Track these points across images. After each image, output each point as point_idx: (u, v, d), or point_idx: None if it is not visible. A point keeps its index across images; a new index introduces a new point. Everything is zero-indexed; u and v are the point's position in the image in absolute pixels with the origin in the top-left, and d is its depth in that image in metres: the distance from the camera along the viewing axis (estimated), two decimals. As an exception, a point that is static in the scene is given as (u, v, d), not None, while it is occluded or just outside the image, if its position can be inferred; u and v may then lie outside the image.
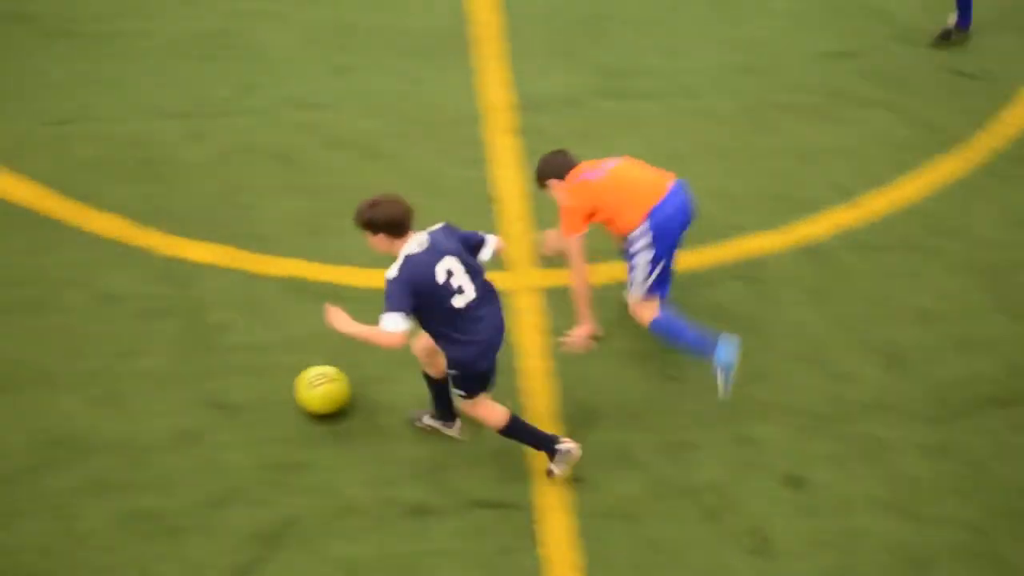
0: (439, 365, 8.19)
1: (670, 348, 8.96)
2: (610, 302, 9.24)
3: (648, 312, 8.80)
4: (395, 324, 7.51)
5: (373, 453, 8.54)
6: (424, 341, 8.14)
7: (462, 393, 8.08)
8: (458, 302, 7.71)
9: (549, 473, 8.32)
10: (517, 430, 8.23)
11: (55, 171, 10.37)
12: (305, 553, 8.06)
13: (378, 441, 8.60)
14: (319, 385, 8.62)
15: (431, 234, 7.72)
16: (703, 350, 8.68)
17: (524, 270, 9.65)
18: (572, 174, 8.68)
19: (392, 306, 7.53)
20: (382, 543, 8.11)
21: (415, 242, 7.65)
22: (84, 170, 10.40)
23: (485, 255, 7.99)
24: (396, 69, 11.29)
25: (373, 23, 11.54)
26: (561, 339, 8.86)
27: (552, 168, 8.76)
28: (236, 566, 8.00)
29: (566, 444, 8.23)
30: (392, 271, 7.59)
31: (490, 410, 8.18)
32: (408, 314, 7.56)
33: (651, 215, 8.54)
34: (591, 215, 8.60)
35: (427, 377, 8.40)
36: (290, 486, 8.37)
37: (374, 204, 7.61)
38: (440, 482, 8.37)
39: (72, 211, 10.05)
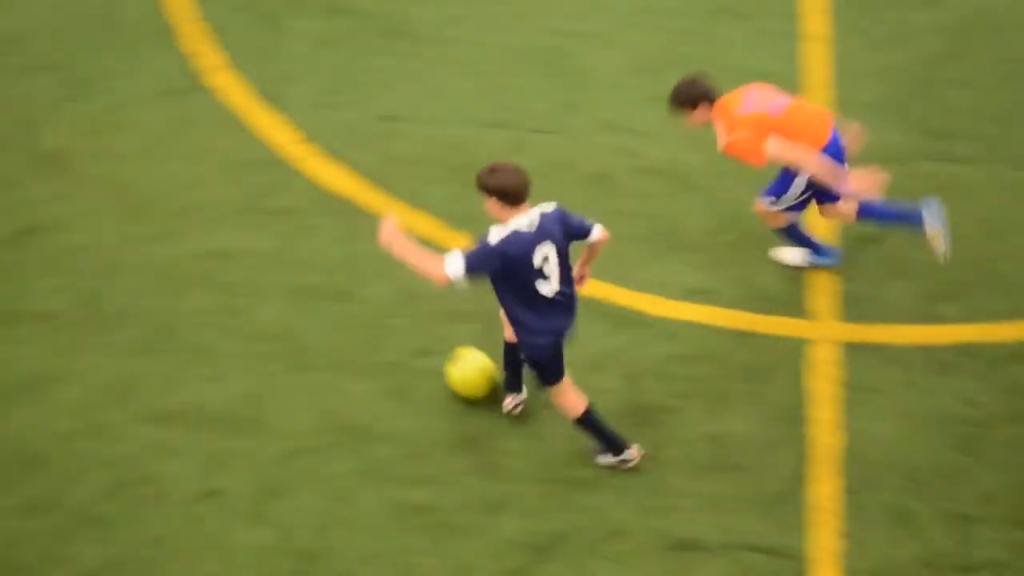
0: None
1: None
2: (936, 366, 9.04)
3: (778, 220, 9.38)
4: (455, 271, 7.55)
5: (651, 482, 8.51)
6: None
7: (548, 384, 8.20)
8: (543, 288, 7.76)
9: (594, 456, 8.49)
10: (591, 423, 8.32)
11: (376, 165, 10.66)
12: (570, 570, 8.07)
13: (657, 470, 8.56)
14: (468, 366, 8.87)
15: (543, 215, 7.74)
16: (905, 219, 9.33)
17: (827, 322, 9.47)
18: (723, 103, 8.98)
19: (470, 260, 7.59)
20: (646, 572, 8.07)
21: (527, 219, 7.69)
22: (403, 167, 10.66)
23: (589, 240, 8.03)
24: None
25: (702, 55, 11.49)
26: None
27: (702, 92, 8.98)
28: (502, 571, 8.07)
29: (631, 453, 8.42)
30: (494, 236, 7.64)
31: (570, 398, 8.27)
32: (475, 275, 7.60)
33: (824, 150, 8.94)
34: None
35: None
36: (566, 501, 8.40)
37: (493, 170, 7.67)
38: (714, 520, 8.29)
39: (387, 205, 10.30)
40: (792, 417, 8.77)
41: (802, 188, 9.18)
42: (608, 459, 8.54)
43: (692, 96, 9.03)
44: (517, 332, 8.02)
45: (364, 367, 9.20)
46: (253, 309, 9.58)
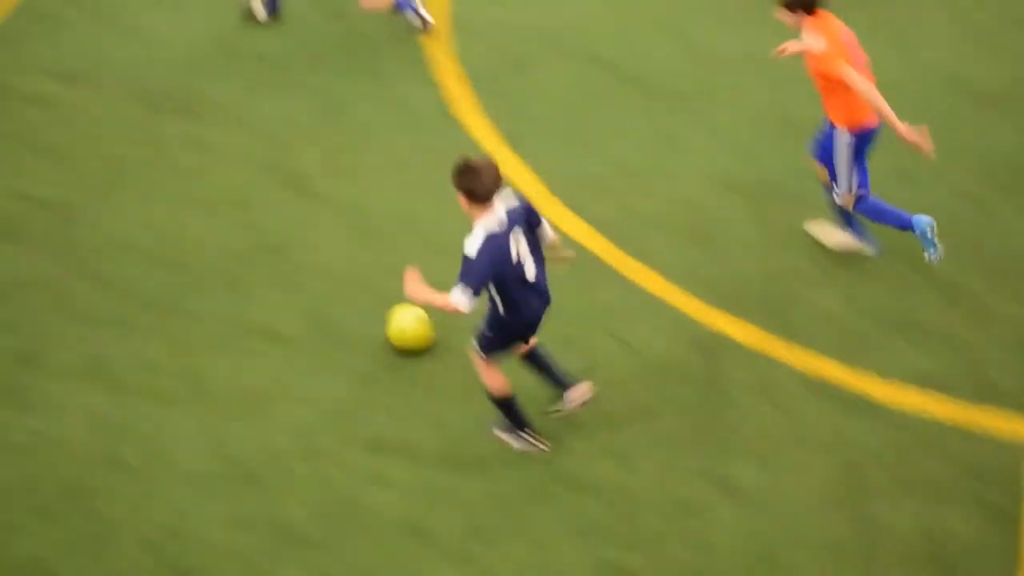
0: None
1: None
2: None
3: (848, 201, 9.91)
4: (465, 301, 7.96)
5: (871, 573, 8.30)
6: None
7: (483, 353, 8.58)
8: (528, 275, 8.26)
9: (492, 427, 8.91)
10: (507, 406, 8.73)
11: (612, 216, 10.62)
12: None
13: (872, 563, 8.33)
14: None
15: (509, 212, 8.14)
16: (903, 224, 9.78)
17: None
18: (824, 19, 9.57)
19: (468, 283, 7.98)
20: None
21: (496, 220, 8.06)
22: (638, 220, 10.60)
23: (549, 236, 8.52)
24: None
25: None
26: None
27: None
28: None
29: (537, 442, 8.83)
30: (471, 248, 8.00)
31: (497, 376, 8.67)
32: (478, 289, 8.01)
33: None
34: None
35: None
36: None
37: (465, 169, 8.01)
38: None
39: (616, 256, 10.25)
40: (1009, 520, 8.47)
41: (847, 142, 9.64)
42: (506, 436, 8.89)
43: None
44: (505, 313, 8.37)
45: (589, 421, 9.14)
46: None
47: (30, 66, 11.95)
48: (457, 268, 8.05)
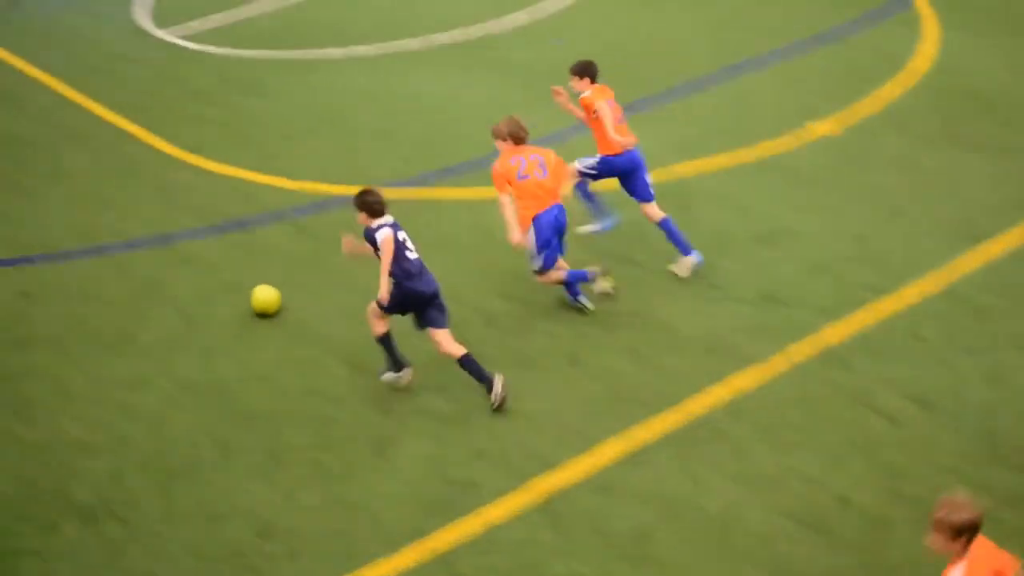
0: (378, 327, 11.70)
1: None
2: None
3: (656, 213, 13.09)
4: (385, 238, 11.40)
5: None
6: (373, 307, 11.65)
7: (382, 308, 11.53)
8: (411, 255, 11.51)
9: (380, 373, 11.96)
10: (386, 342, 11.75)
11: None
12: None
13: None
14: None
15: (394, 221, 11.52)
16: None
17: None
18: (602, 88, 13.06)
19: (387, 255, 11.31)
20: None
21: (388, 219, 11.49)
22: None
23: None
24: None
25: None
26: None
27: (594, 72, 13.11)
28: None
29: (407, 373, 11.89)
30: (380, 234, 11.39)
31: (380, 324, 11.69)
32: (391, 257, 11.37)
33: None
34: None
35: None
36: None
37: (364, 192, 11.51)
38: None
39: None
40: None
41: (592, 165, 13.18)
42: (390, 376, 11.83)
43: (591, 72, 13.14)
44: (394, 284, 11.38)
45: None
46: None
47: (893, 379, 11.64)
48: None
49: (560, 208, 12.27)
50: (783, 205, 13.99)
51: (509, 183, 12.18)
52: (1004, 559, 7.57)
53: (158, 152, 16.00)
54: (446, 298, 11.48)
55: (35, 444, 11.26)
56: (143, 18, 20.37)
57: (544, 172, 12.24)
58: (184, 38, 19.53)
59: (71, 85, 18.12)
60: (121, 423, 11.43)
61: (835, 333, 11.93)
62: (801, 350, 11.77)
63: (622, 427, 11.01)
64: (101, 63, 18.96)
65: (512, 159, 12.20)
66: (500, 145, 12.35)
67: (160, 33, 19.73)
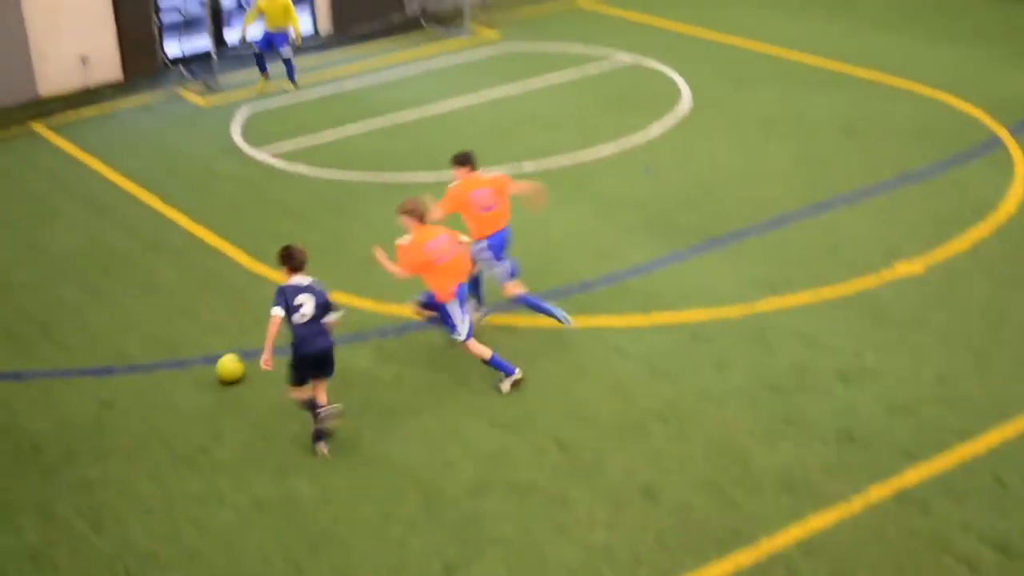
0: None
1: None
2: None
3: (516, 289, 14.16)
4: (278, 309, 12.28)
5: None
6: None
7: (292, 381, 12.63)
8: (296, 319, 12.23)
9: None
10: (310, 406, 12.57)
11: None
12: None
13: None
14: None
15: (311, 282, 12.34)
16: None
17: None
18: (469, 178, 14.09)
19: (277, 299, 12.28)
20: None
21: (302, 280, 12.31)
22: None
23: (329, 317, 12.47)
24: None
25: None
26: None
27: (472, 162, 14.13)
28: None
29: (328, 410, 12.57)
30: (283, 286, 12.36)
31: (301, 392, 12.63)
32: (281, 308, 12.24)
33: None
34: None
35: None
36: None
37: (288, 250, 12.41)
38: None
39: None
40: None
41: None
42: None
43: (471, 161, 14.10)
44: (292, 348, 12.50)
45: None
46: None
47: (973, 524, 11.33)
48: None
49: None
50: (865, 343, 13.90)
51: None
52: None
53: (243, 268, 16.25)
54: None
55: (106, 553, 11.33)
56: (238, 136, 20.82)
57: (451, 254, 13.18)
58: (277, 156, 19.90)
59: (163, 198, 18.56)
60: (192, 537, 11.49)
61: (914, 475, 11.79)
62: (879, 491, 11.61)
63: (696, 564, 10.88)
64: (195, 177, 19.40)
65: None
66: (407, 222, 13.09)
67: (253, 152, 20.12)
